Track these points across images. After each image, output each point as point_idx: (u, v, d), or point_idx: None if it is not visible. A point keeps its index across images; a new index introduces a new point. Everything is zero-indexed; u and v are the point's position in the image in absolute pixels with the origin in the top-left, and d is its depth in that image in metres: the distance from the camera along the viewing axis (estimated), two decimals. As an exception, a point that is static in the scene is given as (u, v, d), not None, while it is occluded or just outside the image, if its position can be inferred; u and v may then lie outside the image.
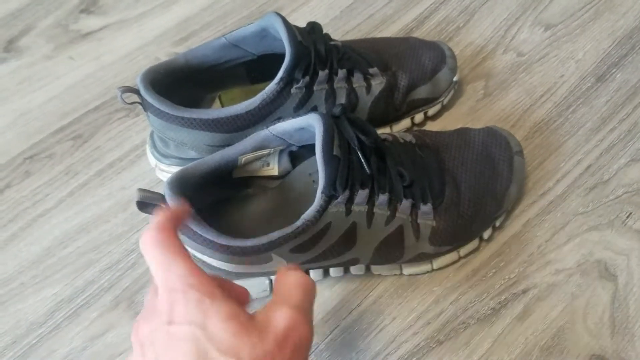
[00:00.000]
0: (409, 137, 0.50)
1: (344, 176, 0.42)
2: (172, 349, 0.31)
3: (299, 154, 0.50)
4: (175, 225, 0.35)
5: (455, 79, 0.59)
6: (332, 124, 0.43)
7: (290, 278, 0.35)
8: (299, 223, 0.42)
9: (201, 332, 0.30)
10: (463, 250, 0.50)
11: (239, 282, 0.43)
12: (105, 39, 0.71)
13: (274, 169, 0.49)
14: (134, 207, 0.56)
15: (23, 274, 0.53)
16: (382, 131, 0.55)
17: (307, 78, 0.50)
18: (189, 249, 0.44)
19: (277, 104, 0.50)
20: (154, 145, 0.55)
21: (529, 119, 0.60)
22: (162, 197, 0.42)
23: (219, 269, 0.45)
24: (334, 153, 0.42)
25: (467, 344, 0.47)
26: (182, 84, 0.53)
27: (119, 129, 0.62)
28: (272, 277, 0.49)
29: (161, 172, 0.55)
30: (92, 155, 0.60)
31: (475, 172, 0.49)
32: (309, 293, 0.35)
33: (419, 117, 0.58)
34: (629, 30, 0.67)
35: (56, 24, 0.72)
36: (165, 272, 0.32)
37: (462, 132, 0.53)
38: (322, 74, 0.51)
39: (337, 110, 0.45)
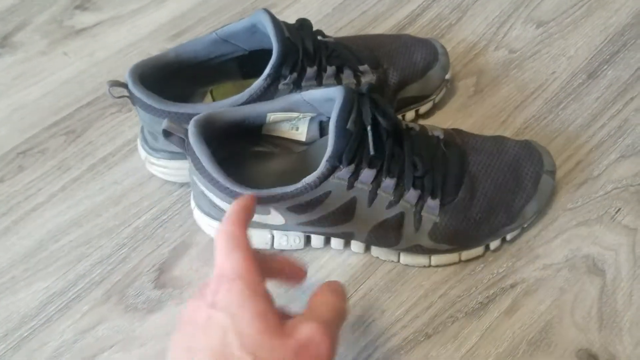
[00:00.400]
0: (438, 132, 0.50)
1: (352, 151, 0.44)
2: (205, 331, 0.33)
3: (328, 125, 0.50)
4: (246, 219, 0.38)
5: (447, 77, 0.59)
6: (354, 98, 0.45)
7: (326, 297, 0.37)
8: (299, 185, 0.44)
9: (231, 322, 0.33)
10: (465, 255, 0.50)
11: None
12: (99, 35, 0.71)
13: (302, 134, 0.51)
14: (126, 202, 0.56)
15: (15, 267, 0.53)
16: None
17: (295, 74, 0.50)
18: (198, 182, 0.47)
19: (264, 100, 0.50)
20: (144, 139, 0.55)
21: (520, 116, 0.60)
22: (186, 132, 0.45)
23: (222, 210, 0.48)
24: (348, 127, 0.43)
25: (455, 338, 0.48)
26: (172, 79, 0.53)
27: (112, 124, 0.62)
28: (274, 232, 0.51)
29: (151, 166, 0.56)
30: (84, 150, 0.61)
31: (497, 181, 0.49)
32: (340, 316, 0.36)
33: (409, 114, 0.59)
34: (620, 27, 0.67)
35: (51, 19, 0.73)
36: (223, 260, 0.35)
37: (498, 140, 0.52)
38: (310, 71, 0.51)
39: (364, 88, 0.46)
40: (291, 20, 0.54)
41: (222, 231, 0.37)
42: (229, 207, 0.39)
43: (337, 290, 0.37)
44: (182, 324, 0.35)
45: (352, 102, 0.44)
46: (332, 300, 0.37)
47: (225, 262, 0.35)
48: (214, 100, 0.57)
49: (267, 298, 0.34)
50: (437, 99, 0.60)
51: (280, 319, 0.34)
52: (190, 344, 0.34)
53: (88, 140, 0.61)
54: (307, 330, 0.33)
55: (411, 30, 0.67)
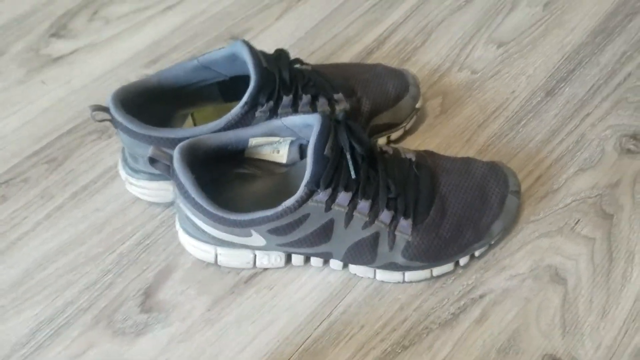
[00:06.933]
0: (410, 155, 0.53)
1: (329, 176, 0.46)
2: None
3: (307, 148, 0.53)
4: None
5: (417, 106, 0.62)
6: (330, 126, 0.47)
7: None
8: (279, 208, 0.47)
9: None
10: (436, 271, 0.53)
11: (224, 250, 0.53)
12: (76, 63, 0.72)
13: (282, 157, 0.54)
14: (109, 228, 0.58)
15: (3, 297, 0.54)
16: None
17: (271, 102, 0.53)
18: (183, 207, 0.49)
19: (242, 125, 0.52)
20: (124, 160, 0.57)
21: (483, 134, 0.63)
22: (171, 158, 0.48)
23: (206, 233, 0.51)
24: (325, 153, 0.46)
25: (429, 348, 0.50)
26: (154, 103, 0.55)
27: (92, 151, 0.64)
28: (256, 252, 0.53)
29: (131, 186, 0.57)
30: (66, 178, 0.62)
31: (465, 201, 0.52)
32: None
33: (381, 140, 0.61)
34: (576, 45, 0.71)
35: (27, 48, 0.74)
36: None
37: (466, 162, 0.55)
38: (287, 99, 0.54)
39: (340, 115, 0.49)
40: (267, 44, 0.56)
41: None
42: None
43: None
44: None
45: (329, 129, 0.47)
46: None
47: None
48: (195, 123, 0.59)
49: None
50: (407, 126, 0.63)
51: None
52: None
53: (69, 168, 0.63)
54: None
55: (379, 54, 0.70)
